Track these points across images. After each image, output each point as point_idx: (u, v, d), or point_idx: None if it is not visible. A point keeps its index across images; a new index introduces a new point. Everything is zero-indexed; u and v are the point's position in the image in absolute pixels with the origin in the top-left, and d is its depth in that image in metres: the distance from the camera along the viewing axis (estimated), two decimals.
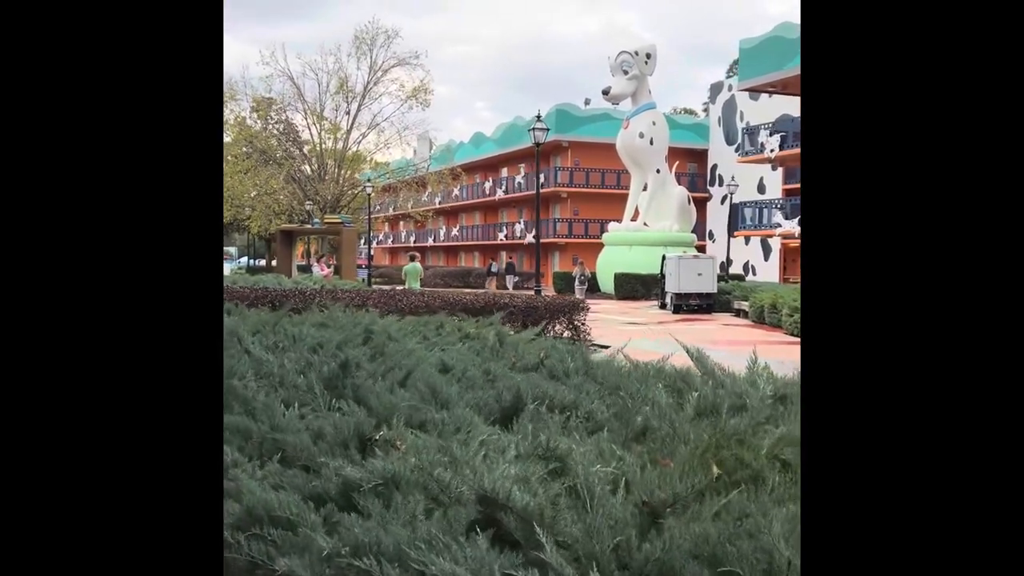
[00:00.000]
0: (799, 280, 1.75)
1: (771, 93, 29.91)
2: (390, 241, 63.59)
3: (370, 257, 41.15)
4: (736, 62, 37.02)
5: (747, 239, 35.65)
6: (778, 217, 29.55)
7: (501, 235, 46.52)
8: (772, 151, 30.08)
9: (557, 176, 41.50)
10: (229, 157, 38.10)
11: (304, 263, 42.31)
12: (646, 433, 2.91)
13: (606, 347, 7.77)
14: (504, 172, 48.16)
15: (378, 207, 49.49)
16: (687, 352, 4.24)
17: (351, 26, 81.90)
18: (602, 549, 1.86)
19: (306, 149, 43.48)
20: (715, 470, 2.33)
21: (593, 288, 29.04)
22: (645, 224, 30.34)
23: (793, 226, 27.90)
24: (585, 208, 41.84)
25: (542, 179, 22.22)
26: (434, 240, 55.39)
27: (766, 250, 37.32)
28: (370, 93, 40.35)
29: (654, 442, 2.76)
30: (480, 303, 10.99)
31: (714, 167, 42.69)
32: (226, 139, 38.01)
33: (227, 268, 40.41)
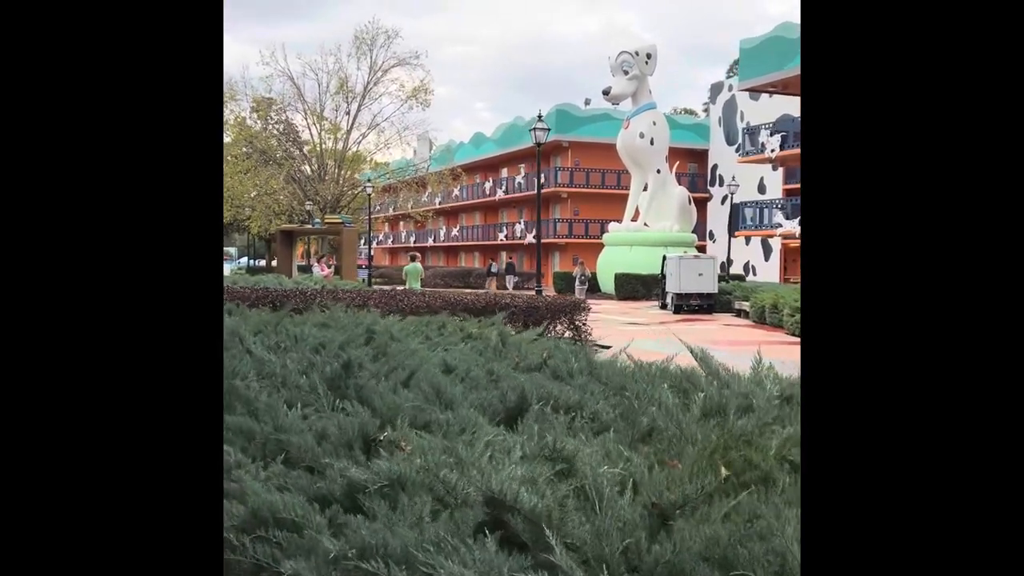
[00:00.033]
0: (799, 280, 1.74)
1: (771, 93, 29.89)
2: (390, 241, 63.57)
3: (370, 257, 41.12)
4: (736, 62, 37.02)
5: (747, 239, 35.63)
6: (779, 217, 29.52)
7: (501, 235, 46.50)
8: (773, 151, 30.06)
9: (557, 176, 41.47)
10: (229, 157, 38.08)
11: (304, 263, 42.29)
12: (652, 434, 2.89)
13: (607, 347, 7.75)
14: (504, 172, 48.14)
15: (378, 207, 49.49)
16: (691, 352, 4.22)
17: (351, 26, 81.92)
18: (611, 551, 1.83)
19: (306, 149, 43.46)
20: (723, 471, 2.31)
21: (593, 288, 29.02)
22: (645, 224, 30.32)
23: (794, 226, 27.87)
24: (585, 208, 41.81)
25: (542, 179, 22.17)
26: (434, 240, 55.36)
27: (766, 250, 37.30)
28: (370, 93, 40.37)
29: (661, 443, 2.74)
30: (481, 303, 10.97)
31: (714, 167, 42.68)
32: (226, 139, 38.00)
33: (227, 268, 40.40)
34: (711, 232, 41.63)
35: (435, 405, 3.21)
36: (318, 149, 41.82)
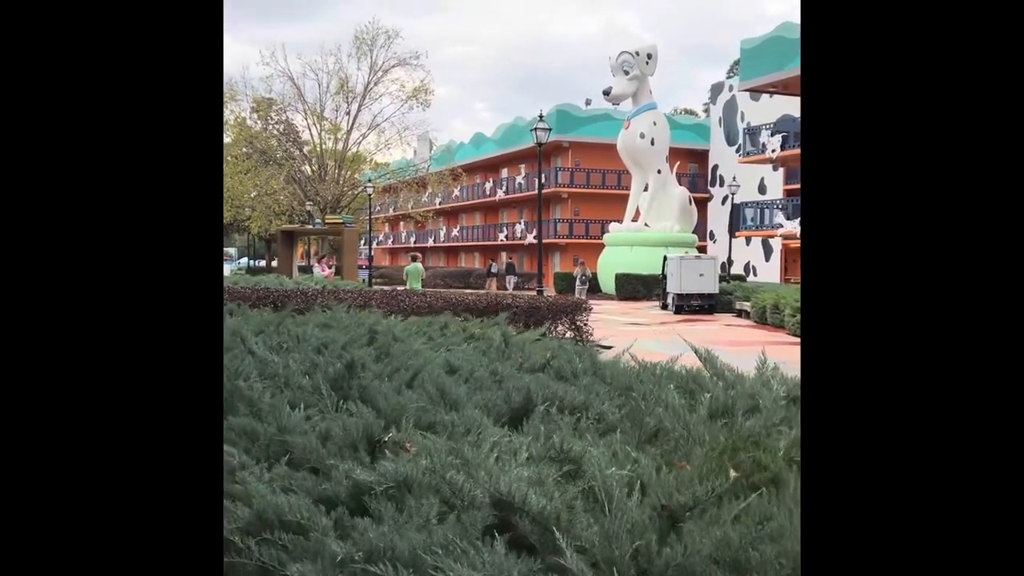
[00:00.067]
0: (800, 281, 1.74)
1: (772, 93, 29.88)
2: (390, 242, 63.54)
3: (370, 258, 41.11)
4: (737, 62, 37.01)
5: (748, 239, 35.61)
6: (779, 218, 29.51)
7: (501, 236, 46.48)
8: (774, 151, 30.04)
9: (558, 176, 41.45)
10: (229, 158, 38.06)
11: (304, 263, 42.27)
12: (658, 435, 2.87)
13: (609, 347, 7.74)
14: (504, 173, 48.12)
15: (378, 208, 49.46)
16: (695, 353, 4.20)
17: (351, 27, 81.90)
18: (621, 554, 1.81)
19: (306, 150, 43.44)
20: (732, 473, 2.29)
21: (594, 288, 29.00)
22: (646, 225, 30.30)
23: (795, 226, 27.86)
24: (586, 208, 41.80)
25: (543, 179, 22.13)
26: (434, 241, 55.34)
27: (767, 251, 37.28)
28: (370, 93, 40.34)
29: (667, 444, 2.72)
30: (483, 303, 10.95)
31: (715, 167, 42.66)
32: (226, 140, 37.99)
33: (226, 269, 40.37)
34: (711, 232, 41.62)
35: (440, 406, 3.19)
36: (318, 149, 41.79)
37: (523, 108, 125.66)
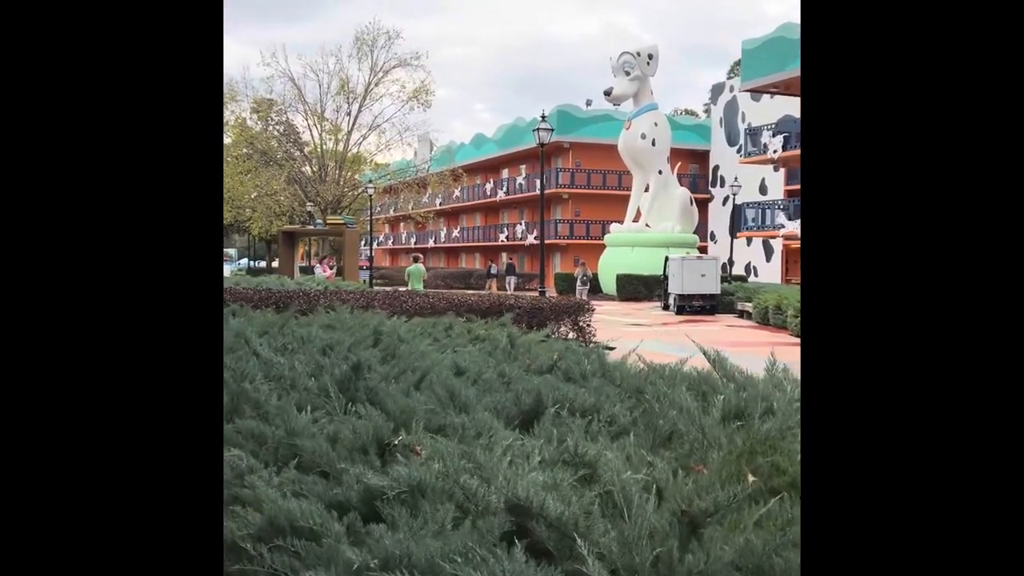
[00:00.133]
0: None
1: (773, 94, 29.86)
2: (390, 242, 63.50)
3: (371, 258, 41.07)
4: (738, 63, 36.99)
5: (749, 240, 35.58)
6: (781, 218, 29.48)
7: (502, 236, 46.43)
8: (775, 152, 30.01)
9: (558, 177, 41.40)
10: (230, 158, 38.02)
11: (304, 264, 42.24)
12: (672, 438, 2.83)
13: (612, 348, 7.69)
14: (505, 173, 48.07)
15: (378, 208, 49.43)
16: (705, 355, 4.17)
17: (351, 27, 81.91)
18: (642, 561, 1.77)
19: (307, 150, 43.39)
20: (750, 477, 2.25)
21: (595, 289, 28.97)
22: (647, 225, 30.26)
23: (797, 227, 27.82)
24: (586, 209, 41.75)
25: (544, 180, 22.09)
26: (435, 241, 55.30)
27: (768, 251, 37.24)
28: (371, 94, 40.28)
29: (682, 447, 2.68)
30: (486, 304, 10.92)
31: (716, 168, 42.62)
32: (226, 140, 37.97)
33: (226, 270, 40.33)
34: (712, 233, 41.58)
35: (449, 408, 3.15)
36: (319, 150, 41.75)
37: (523, 109, 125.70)
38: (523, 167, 45.53)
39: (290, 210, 41.00)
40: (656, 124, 30.15)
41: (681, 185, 32.37)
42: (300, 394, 3.54)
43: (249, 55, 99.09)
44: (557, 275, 34.40)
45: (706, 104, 53.00)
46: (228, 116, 39.37)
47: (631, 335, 11.94)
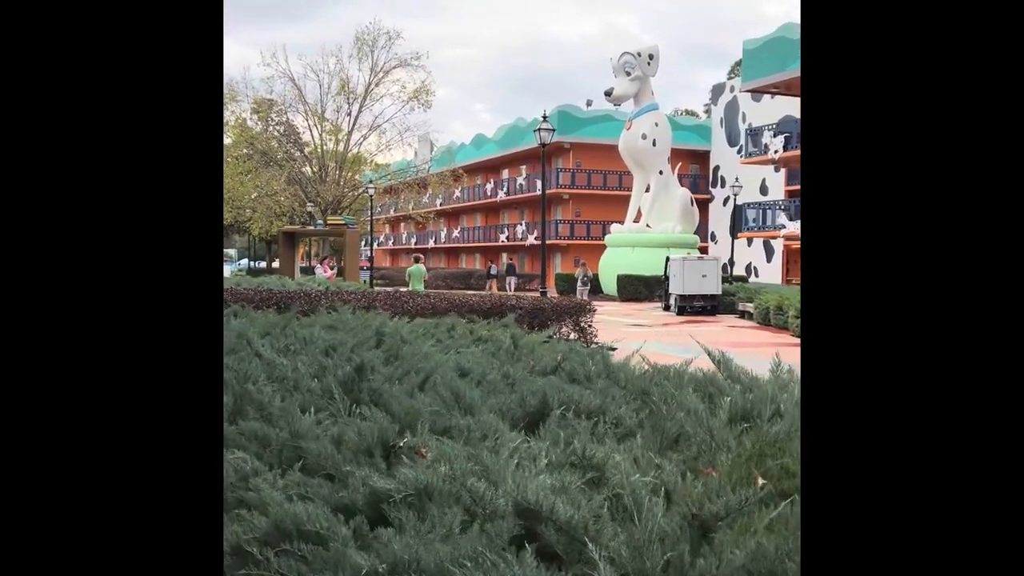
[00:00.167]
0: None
1: (774, 94, 29.83)
2: (391, 243, 63.46)
3: (371, 259, 41.04)
4: (738, 63, 36.97)
5: (749, 240, 35.56)
6: (782, 218, 29.46)
7: (502, 236, 46.40)
8: (776, 152, 29.99)
9: (559, 177, 41.36)
10: (230, 159, 37.98)
11: (304, 265, 42.21)
12: (679, 440, 2.81)
13: (614, 348, 7.67)
14: (505, 174, 48.04)
15: (379, 209, 49.40)
16: (709, 356, 4.15)
17: (351, 28, 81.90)
18: (652, 566, 1.75)
19: (307, 151, 43.36)
20: (760, 480, 2.23)
21: (595, 290, 28.94)
22: (648, 226, 30.23)
23: (798, 227, 27.80)
24: (587, 209, 41.72)
25: (545, 180, 22.06)
26: (435, 242, 55.26)
27: (768, 252, 37.21)
28: (371, 94, 40.25)
29: (689, 449, 2.66)
30: (487, 305, 10.90)
31: (716, 168, 42.60)
32: (227, 141, 37.94)
33: (226, 270, 40.30)
34: (713, 234, 41.55)
35: (454, 410, 3.13)
36: (319, 150, 41.73)
37: (523, 109, 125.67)
38: (523, 167, 45.49)
39: (290, 210, 40.97)
40: (657, 124, 30.12)
41: (682, 185, 32.33)
42: (304, 395, 3.52)
43: (249, 56, 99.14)
44: (558, 275, 34.38)
45: (706, 104, 52.96)
46: (228, 116, 39.35)
47: (633, 336, 11.92)
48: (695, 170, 42.98)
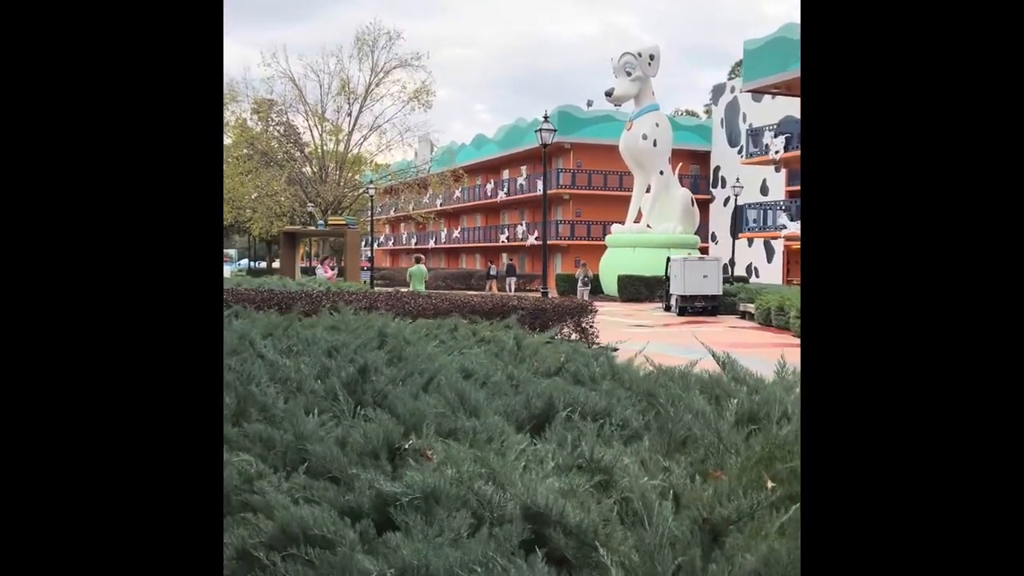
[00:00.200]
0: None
1: (775, 94, 29.81)
2: (391, 243, 63.44)
3: (371, 259, 41.03)
4: (739, 63, 36.95)
5: (750, 241, 35.54)
6: (783, 219, 29.44)
7: (503, 237, 46.38)
8: (777, 152, 29.97)
9: (559, 178, 41.34)
10: (230, 159, 37.98)
11: (305, 265, 42.19)
12: (687, 442, 2.79)
13: (616, 349, 7.64)
14: (505, 174, 48.02)
15: (379, 209, 49.39)
16: (714, 357, 4.13)
17: (352, 28, 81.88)
18: (663, 570, 1.73)
19: (307, 151, 43.36)
20: (769, 483, 2.20)
21: (596, 290, 28.91)
22: (648, 226, 30.21)
23: (798, 228, 27.79)
24: (587, 210, 41.70)
25: (546, 181, 22.03)
26: (435, 242, 55.24)
27: (769, 252, 37.20)
28: (371, 95, 40.25)
29: (697, 452, 2.64)
30: (489, 305, 10.88)
31: (716, 169, 42.58)
32: (227, 141, 37.92)
33: (226, 270, 40.28)
34: (713, 234, 41.54)
35: (459, 412, 3.11)
36: (319, 151, 41.71)
37: (523, 110, 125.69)
38: (524, 168, 45.47)
39: (291, 211, 40.97)
40: (657, 125, 30.09)
41: (682, 186, 32.30)
42: (307, 397, 3.50)
43: (249, 56, 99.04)
44: (558, 276, 34.34)
45: (707, 105, 52.96)
46: (228, 117, 39.36)
47: (634, 336, 11.90)
48: (696, 170, 42.95)
